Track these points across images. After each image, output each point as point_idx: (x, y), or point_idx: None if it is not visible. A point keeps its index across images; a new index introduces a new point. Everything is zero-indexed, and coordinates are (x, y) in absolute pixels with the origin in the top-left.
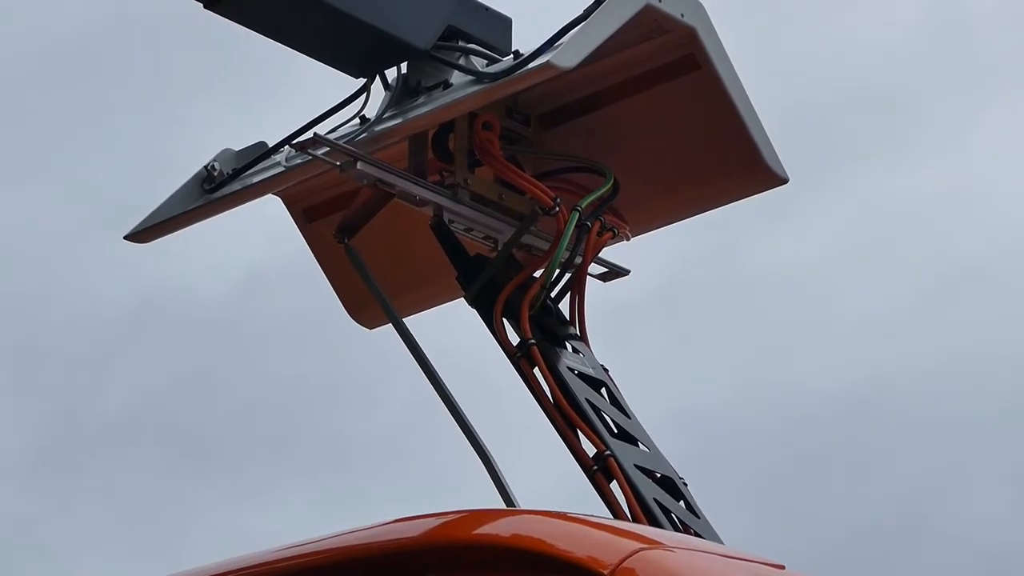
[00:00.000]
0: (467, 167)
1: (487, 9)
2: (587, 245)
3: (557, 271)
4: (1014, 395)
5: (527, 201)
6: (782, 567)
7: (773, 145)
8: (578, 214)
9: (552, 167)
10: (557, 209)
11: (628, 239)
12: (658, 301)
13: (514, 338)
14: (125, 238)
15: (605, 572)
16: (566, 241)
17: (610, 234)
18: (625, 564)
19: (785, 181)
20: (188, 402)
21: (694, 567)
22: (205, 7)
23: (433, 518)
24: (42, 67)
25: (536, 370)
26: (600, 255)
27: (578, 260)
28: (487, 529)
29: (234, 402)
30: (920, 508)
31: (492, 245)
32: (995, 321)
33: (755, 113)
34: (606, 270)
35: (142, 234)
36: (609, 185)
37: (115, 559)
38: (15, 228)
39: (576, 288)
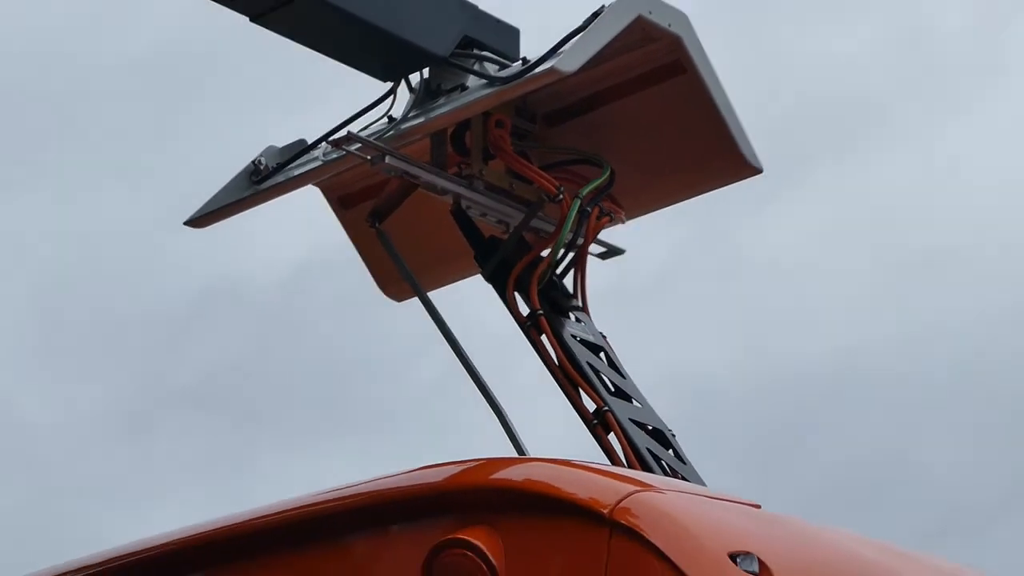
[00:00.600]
0: (482, 160)
1: (498, 21)
2: (588, 228)
3: (562, 251)
4: (962, 359)
5: (535, 190)
6: (758, 506)
7: (750, 140)
8: (579, 201)
9: (556, 160)
10: (561, 197)
11: (623, 222)
12: (653, 280)
13: (524, 309)
14: (185, 224)
15: (605, 511)
16: (569, 224)
17: (607, 219)
18: (622, 504)
19: (760, 171)
20: (247, 373)
21: (681, 507)
22: (251, 20)
23: (453, 466)
24: (124, 80)
25: (543, 337)
26: (599, 237)
27: (580, 241)
28: (501, 475)
29: (286, 373)
30: (887, 458)
31: (504, 228)
32: (948, 296)
33: (734, 112)
34: (605, 250)
35: (199, 220)
36: (606, 175)
37: (189, 505)
38: (101, 225)
39: (578, 266)
